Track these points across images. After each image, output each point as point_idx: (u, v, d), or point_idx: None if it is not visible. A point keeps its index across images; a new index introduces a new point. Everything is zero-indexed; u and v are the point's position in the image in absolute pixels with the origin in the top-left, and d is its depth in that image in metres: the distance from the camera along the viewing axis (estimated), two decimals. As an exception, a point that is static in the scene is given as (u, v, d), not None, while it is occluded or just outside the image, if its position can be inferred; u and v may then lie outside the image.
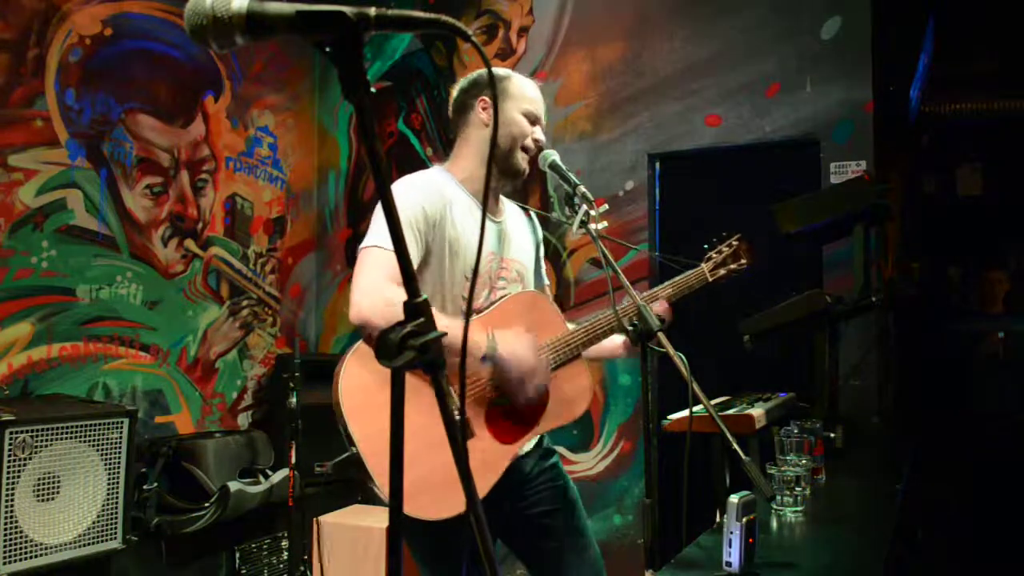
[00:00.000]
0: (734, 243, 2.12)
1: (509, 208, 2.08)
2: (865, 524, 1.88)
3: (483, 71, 1.96)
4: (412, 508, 1.68)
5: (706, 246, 2.13)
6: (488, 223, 1.95)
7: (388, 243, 1.73)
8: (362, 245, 1.75)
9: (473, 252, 1.85)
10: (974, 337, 4.67)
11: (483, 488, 1.75)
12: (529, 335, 1.81)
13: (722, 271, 2.09)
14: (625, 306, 1.83)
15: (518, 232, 2.05)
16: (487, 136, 1.89)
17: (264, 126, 4.53)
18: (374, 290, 1.66)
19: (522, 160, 1.92)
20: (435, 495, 1.63)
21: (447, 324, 1.65)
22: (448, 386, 1.74)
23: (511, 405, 1.83)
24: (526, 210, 2.16)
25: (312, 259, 4.85)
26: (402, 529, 1.77)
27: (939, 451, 3.86)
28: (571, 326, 1.97)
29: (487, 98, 1.91)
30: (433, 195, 1.83)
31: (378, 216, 1.80)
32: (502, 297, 1.92)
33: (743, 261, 2.11)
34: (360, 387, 1.71)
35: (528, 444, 1.99)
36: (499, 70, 1.96)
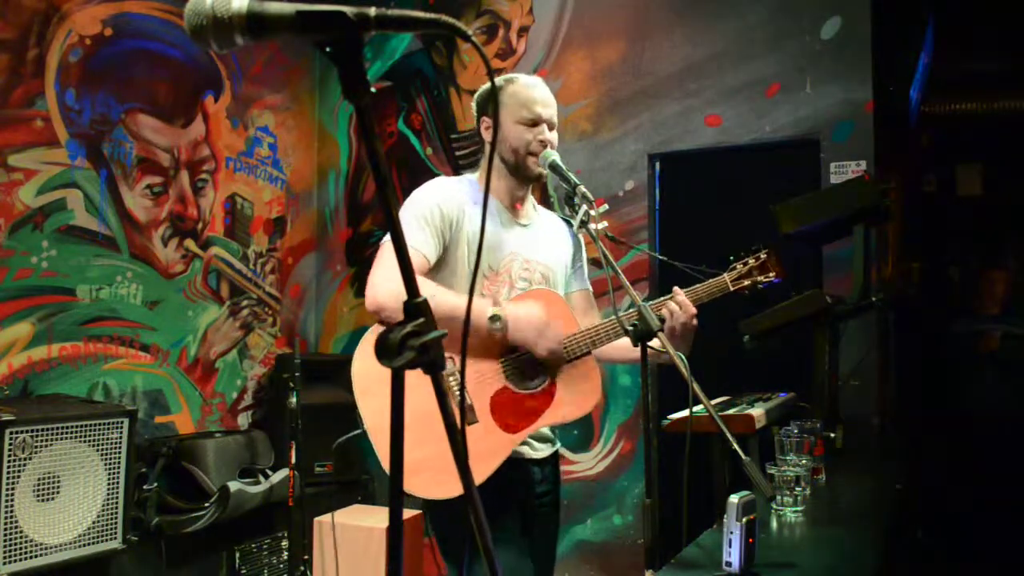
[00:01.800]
0: (763, 255, 1.99)
1: (543, 214, 2.12)
2: (865, 524, 1.88)
3: (481, 90, 2.04)
4: (411, 485, 1.71)
5: (732, 257, 2.02)
6: (512, 226, 1.99)
7: (408, 237, 1.80)
8: (383, 240, 1.84)
9: (490, 252, 1.93)
10: (974, 337, 4.67)
11: (484, 472, 1.78)
12: (532, 300, 1.86)
13: (746, 282, 1.97)
14: (628, 312, 1.83)
15: (549, 237, 2.08)
16: (496, 150, 1.98)
17: (264, 126, 4.53)
18: (389, 278, 1.73)
19: (533, 165, 1.94)
20: (435, 475, 1.67)
21: (457, 300, 1.72)
22: (448, 383, 1.77)
23: (518, 393, 1.86)
24: (567, 221, 2.17)
25: (312, 259, 4.85)
26: (428, 513, 1.83)
27: (939, 451, 3.86)
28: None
29: (486, 116, 1.99)
30: (452, 197, 1.90)
31: (400, 214, 1.86)
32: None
33: (771, 274, 1.98)
34: (370, 369, 1.79)
35: (543, 451, 2.01)
36: (496, 78, 1.98)
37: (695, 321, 1.87)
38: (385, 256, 1.80)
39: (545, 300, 1.92)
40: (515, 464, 1.87)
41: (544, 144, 1.93)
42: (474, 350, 1.85)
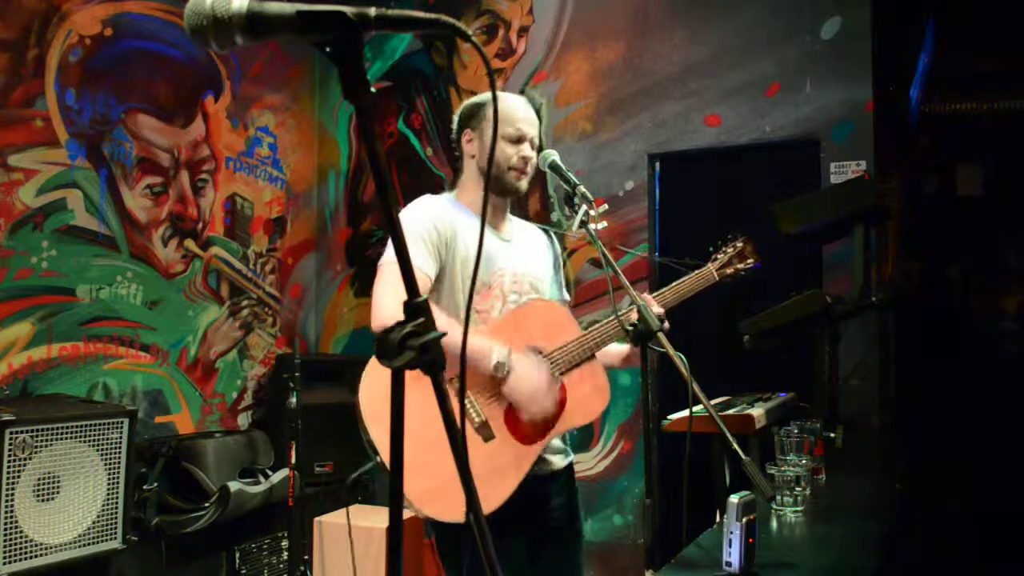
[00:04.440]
0: (739, 244, 2.12)
1: (520, 226, 2.13)
2: (865, 524, 1.88)
3: (465, 105, 2.05)
4: (434, 511, 1.69)
5: (711, 248, 2.12)
6: (496, 241, 1.99)
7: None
8: (381, 261, 1.83)
9: (482, 267, 1.93)
10: (973, 337, 4.67)
11: (507, 489, 1.76)
12: (542, 361, 1.84)
13: (729, 271, 2.09)
14: (626, 309, 1.83)
15: (530, 248, 2.09)
16: (477, 163, 2.01)
17: (264, 126, 4.53)
18: (394, 300, 1.72)
19: (513, 179, 1.95)
20: (457, 499, 1.64)
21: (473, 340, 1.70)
22: (450, 387, 1.76)
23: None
24: (545, 230, 2.20)
25: (312, 259, 4.85)
26: (432, 527, 1.82)
27: (939, 451, 3.86)
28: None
29: (469, 130, 2.00)
30: (443, 216, 1.90)
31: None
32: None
33: (750, 261, 2.11)
34: (380, 393, 1.73)
35: (559, 463, 2.00)
36: (480, 96, 2.01)
37: (666, 323, 1.90)
38: (385, 276, 1.80)
39: (547, 312, 1.94)
40: (529, 482, 1.84)
41: (525, 161, 1.95)
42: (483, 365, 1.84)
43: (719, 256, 2.10)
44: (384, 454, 1.70)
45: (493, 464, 1.76)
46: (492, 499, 1.71)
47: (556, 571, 2.02)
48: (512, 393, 1.78)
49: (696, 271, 2.06)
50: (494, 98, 1.61)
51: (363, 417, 1.72)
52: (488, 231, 1.99)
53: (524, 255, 2.05)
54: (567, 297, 2.21)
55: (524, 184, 1.97)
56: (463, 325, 1.03)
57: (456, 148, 2.05)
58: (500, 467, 1.77)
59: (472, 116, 2.00)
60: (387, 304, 1.74)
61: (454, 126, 2.05)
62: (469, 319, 1.03)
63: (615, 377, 3.87)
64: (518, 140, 1.95)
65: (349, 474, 4.14)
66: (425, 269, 1.83)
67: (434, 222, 1.88)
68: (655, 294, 1.99)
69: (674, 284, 2.03)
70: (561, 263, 2.20)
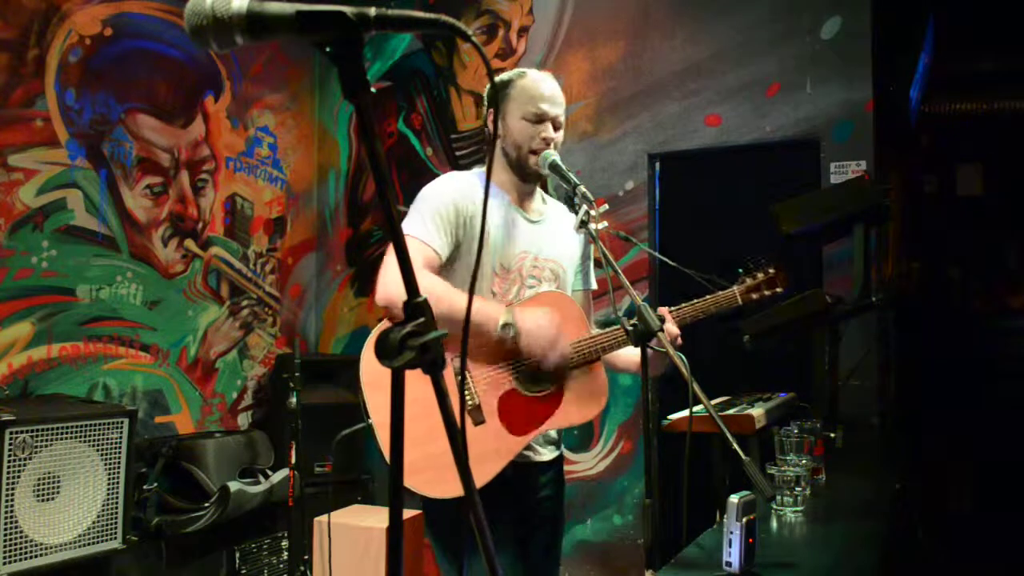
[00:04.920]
0: (772, 271, 2.03)
1: (553, 207, 2.08)
2: (865, 524, 1.88)
3: (490, 85, 2.00)
4: (414, 483, 1.71)
5: (740, 270, 2.04)
6: (522, 222, 1.96)
7: (421, 232, 1.80)
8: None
9: (502, 250, 1.91)
10: (973, 336, 4.67)
11: (489, 473, 1.77)
12: (546, 311, 1.83)
13: (754, 296, 2.01)
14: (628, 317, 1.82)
15: (559, 232, 2.04)
16: (501, 143, 1.97)
17: (264, 126, 4.53)
18: (398, 275, 1.71)
19: (534, 164, 1.91)
20: (439, 473, 1.67)
21: (476, 306, 1.69)
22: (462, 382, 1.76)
23: (526, 396, 1.85)
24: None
25: (312, 259, 4.85)
26: (426, 516, 1.82)
27: (939, 451, 3.86)
28: (595, 330, 1.96)
29: (493, 110, 1.94)
30: (467, 194, 1.87)
31: (415, 205, 1.87)
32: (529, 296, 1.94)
33: (778, 289, 2.03)
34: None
35: (548, 455, 2.01)
36: (508, 73, 1.97)
37: (680, 340, 1.89)
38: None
39: (557, 305, 1.91)
40: (520, 468, 1.86)
41: (547, 142, 1.89)
42: (485, 352, 1.83)
43: (747, 280, 2.02)
44: (376, 419, 1.76)
45: (477, 449, 1.77)
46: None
47: (541, 561, 2.03)
48: (528, 349, 1.77)
49: (720, 291, 2.00)
50: (495, 99, 1.61)
51: (362, 382, 1.76)
52: (515, 211, 1.96)
53: (550, 238, 2.00)
54: (593, 286, 2.16)
55: (545, 170, 1.91)
56: (466, 311, 1.03)
57: (485, 127, 2.02)
58: (483, 452, 1.78)
59: (495, 96, 1.94)
60: (394, 275, 1.70)
61: (485, 103, 2.01)
62: (470, 310, 1.02)
63: (615, 376, 3.87)
64: (539, 120, 1.89)
65: (349, 475, 4.15)
66: (434, 245, 1.80)
67: (455, 200, 1.84)
68: (673, 309, 1.95)
69: (693, 302, 1.97)
70: (591, 250, 2.14)
